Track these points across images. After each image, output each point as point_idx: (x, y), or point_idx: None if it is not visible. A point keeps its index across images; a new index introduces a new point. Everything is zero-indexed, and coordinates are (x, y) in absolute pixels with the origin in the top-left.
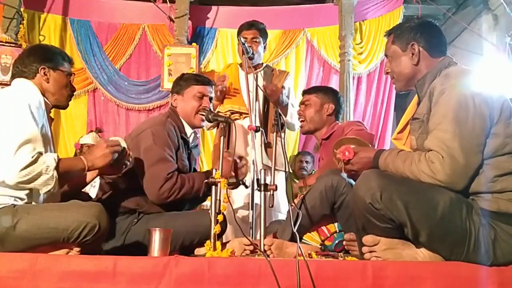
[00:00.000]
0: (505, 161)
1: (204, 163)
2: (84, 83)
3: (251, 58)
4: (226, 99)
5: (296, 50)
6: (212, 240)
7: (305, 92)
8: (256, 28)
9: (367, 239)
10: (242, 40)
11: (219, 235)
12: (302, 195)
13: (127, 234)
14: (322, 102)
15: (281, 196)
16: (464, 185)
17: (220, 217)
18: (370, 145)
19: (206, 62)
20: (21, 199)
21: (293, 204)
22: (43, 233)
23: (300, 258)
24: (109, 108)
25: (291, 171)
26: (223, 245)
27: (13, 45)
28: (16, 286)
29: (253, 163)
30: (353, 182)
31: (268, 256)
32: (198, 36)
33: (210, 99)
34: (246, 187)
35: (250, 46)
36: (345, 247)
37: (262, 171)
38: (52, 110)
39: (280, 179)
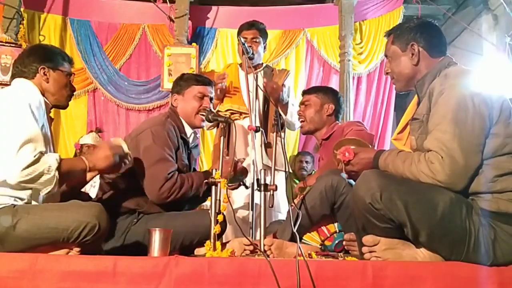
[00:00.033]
0: (505, 161)
1: (204, 163)
2: (84, 83)
3: (251, 58)
4: (226, 98)
5: (296, 50)
6: (212, 240)
7: (305, 92)
8: (256, 28)
9: (367, 239)
10: (242, 40)
11: (219, 235)
12: (302, 195)
13: (127, 234)
14: (322, 102)
15: (281, 196)
16: (464, 185)
17: (220, 217)
18: (370, 146)
19: (206, 62)
20: (21, 199)
21: (293, 204)
22: (43, 233)
23: (300, 258)
24: (109, 108)
25: (291, 171)
26: (223, 245)
27: (13, 45)
28: (16, 286)
29: (253, 163)
30: (353, 182)
31: (268, 256)
32: (198, 36)
33: (211, 99)
34: (247, 187)
35: (250, 46)
36: (345, 247)
37: (262, 171)
38: (52, 110)
39: (280, 179)
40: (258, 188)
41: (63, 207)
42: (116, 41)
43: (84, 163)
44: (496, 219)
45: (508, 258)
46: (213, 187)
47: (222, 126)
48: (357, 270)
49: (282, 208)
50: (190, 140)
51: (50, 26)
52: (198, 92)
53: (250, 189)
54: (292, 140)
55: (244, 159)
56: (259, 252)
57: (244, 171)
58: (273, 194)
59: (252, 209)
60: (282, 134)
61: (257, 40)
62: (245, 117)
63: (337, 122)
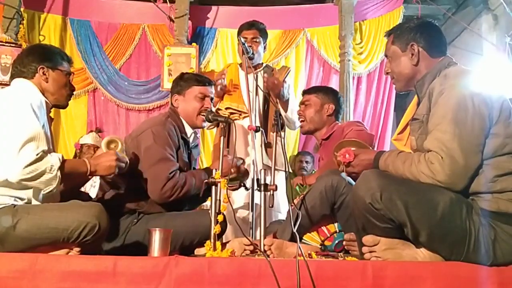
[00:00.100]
0: (505, 161)
1: (204, 163)
2: (84, 83)
3: (251, 58)
4: (226, 96)
5: (296, 50)
6: (212, 240)
7: (305, 92)
8: (256, 28)
9: (367, 239)
10: (242, 40)
11: (219, 235)
12: (302, 195)
13: (127, 234)
14: (322, 102)
15: (281, 196)
16: (464, 186)
17: (220, 217)
18: (370, 146)
19: (206, 62)
20: (21, 199)
21: (293, 204)
22: (43, 233)
23: (300, 258)
24: (109, 108)
25: (291, 171)
26: (223, 245)
27: (13, 45)
28: (16, 286)
29: (253, 163)
30: (353, 182)
31: (268, 256)
32: (198, 36)
33: (211, 99)
34: (247, 189)
35: (250, 46)
36: (345, 247)
37: (262, 171)
38: (52, 110)
39: (280, 179)
40: (258, 188)
41: (63, 207)
42: (116, 41)
43: (86, 166)
44: (496, 219)
45: (508, 258)
46: (213, 187)
47: (222, 126)
48: (357, 270)
49: (282, 208)
50: (191, 140)
51: (50, 26)
52: (199, 93)
53: (250, 189)
54: (292, 140)
55: (244, 160)
56: (259, 252)
57: (246, 173)
58: (273, 194)
59: (252, 209)
60: (282, 134)
61: (257, 40)
62: (245, 117)
63: (337, 122)
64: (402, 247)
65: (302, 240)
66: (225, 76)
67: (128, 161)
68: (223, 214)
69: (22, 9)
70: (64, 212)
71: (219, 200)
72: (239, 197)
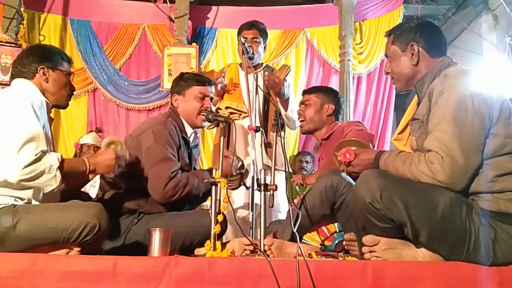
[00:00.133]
0: (505, 161)
1: (204, 163)
2: (84, 83)
3: (251, 58)
4: (225, 95)
5: (296, 50)
6: (212, 240)
7: (305, 92)
8: (257, 28)
9: (367, 239)
10: (242, 40)
11: (219, 235)
12: (302, 195)
13: (127, 234)
14: (322, 102)
15: (281, 196)
16: (464, 185)
17: (220, 217)
18: (370, 145)
19: (206, 62)
20: (21, 199)
21: (293, 204)
22: (43, 233)
23: (300, 258)
24: (109, 108)
25: (291, 171)
26: (223, 245)
27: (13, 45)
28: (16, 286)
29: (253, 163)
30: (353, 182)
31: (268, 256)
32: (198, 36)
33: (211, 99)
34: (247, 188)
35: (250, 46)
36: (345, 247)
37: (262, 171)
38: (52, 110)
39: (280, 179)
40: (258, 188)
41: (63, 207)
42: (116, 41)
43: (85, 164)
44: (496, 219)
45: (508, 258)
46: (213, 187)
47: (222, 126)
48: (357, 270)
49: (282, 208)
50: (191, 139)
51: (50, 26)
52: (199, 93)
53: (250, 189)
54: (292, 140)
55: (243, 162)
56: (259, 252)
57: (246, 172)
58: (273, 194)
59: (252, 209)
60: (282, 134)
61: (257, 40)
62: (244, 117)
63: (337, 122)
64: (402, 247)
65: (302, 240)
66: (225, 75)
67: (128, 157)
68: (223, 214)
69: (22, 9)
70: (64, 212)
71: (219, 200)
72: (239, 197)
